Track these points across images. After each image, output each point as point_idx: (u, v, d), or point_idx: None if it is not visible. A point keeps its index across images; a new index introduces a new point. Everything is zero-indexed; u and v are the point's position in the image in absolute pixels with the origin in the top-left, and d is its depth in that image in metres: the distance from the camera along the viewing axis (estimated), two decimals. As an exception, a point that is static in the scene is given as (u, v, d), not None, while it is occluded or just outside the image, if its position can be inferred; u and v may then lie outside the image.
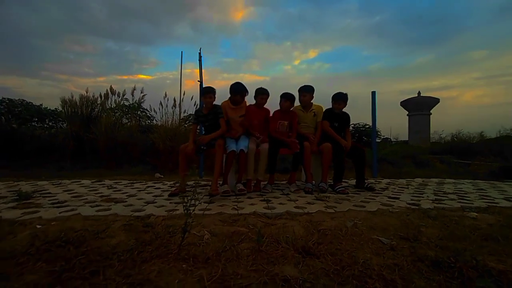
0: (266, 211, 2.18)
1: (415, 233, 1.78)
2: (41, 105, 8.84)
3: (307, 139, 3.04)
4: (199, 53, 4.12)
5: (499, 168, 4.82)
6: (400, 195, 2.83)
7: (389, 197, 2.71)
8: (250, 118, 3.17)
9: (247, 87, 3.14)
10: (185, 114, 8.90)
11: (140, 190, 2.97)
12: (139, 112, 9.09)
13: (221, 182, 2.95)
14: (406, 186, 3.34)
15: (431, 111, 13.37)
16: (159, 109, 8.91)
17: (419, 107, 13.22)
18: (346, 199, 2.64)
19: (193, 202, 1.67)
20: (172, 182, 3.54)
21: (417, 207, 2.32)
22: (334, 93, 3.23)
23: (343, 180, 3.21)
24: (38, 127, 8.58)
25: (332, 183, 3.07)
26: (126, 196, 2.67)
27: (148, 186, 3.18)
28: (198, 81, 4.00)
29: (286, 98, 3.15)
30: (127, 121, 8.77)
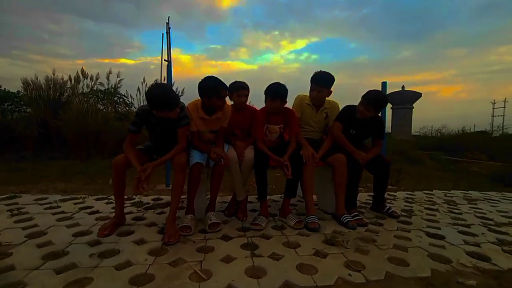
0: (249, 281, 1.13)
1: None
2: (0, 86, 7.27)
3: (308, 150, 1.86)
4: (167, 24, 2.86)
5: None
6: (439, 227, 1.82)
7: (430, 235, 1.70)
8: (230, 126, 1.94)
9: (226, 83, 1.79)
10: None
11: (61, 219, 1.78)
12: (115, 98, 7.70)
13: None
14: (433, 207, 2.36)
15: (413, 105, 12.68)
16: (136, 95, 7.58)
17: (402, 101, 12.46)
18: (370, 239, 1.62)
19: None
20: (125, 197, 2.36)
21: (494, 266, 1.34)
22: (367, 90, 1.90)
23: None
24: (-5, 112, 7.03)
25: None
26: (25, 237, 1.52)
27: (82, 208, 2.02)
28: (165, 60, 2.77)
29: (273, 96, 1.82)
30: (102, 107, 7.42)
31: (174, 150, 1.64)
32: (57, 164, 5.21)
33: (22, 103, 7.02)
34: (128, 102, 7.89)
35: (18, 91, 7.20)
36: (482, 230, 1.81)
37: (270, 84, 1.84)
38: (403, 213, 2.13)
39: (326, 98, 2.03)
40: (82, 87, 6.97)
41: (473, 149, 7.64)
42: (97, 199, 2.25)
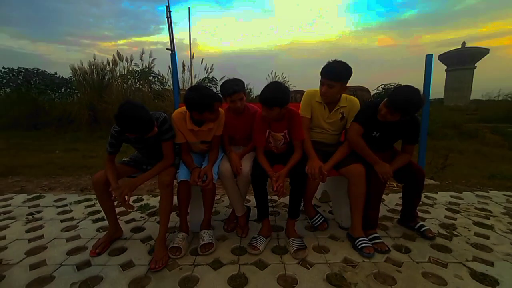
0: None
1: None
2: (56, 73, 7.84)
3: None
4: (167, 7, 2.44)
5: None
6: (491, 262, 1.34)
7: (475, 276, 1.23)
8: (228, 132, 1.63)
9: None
10: (198, 80, 7.42)
11: (66, 229, 1.74)
12: (150, 78, 7.78)
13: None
14: (487, 220, 1.81)
15: (476, 65, 10.39)
16: (167, 74, 7.54)
17: (462, 60, 10.25)
18: (388, 276, 1.25)
19: None
20: (134, 197, 2.31)
21: None
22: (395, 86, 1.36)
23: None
24: (55, 97, 7.67)
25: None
26: (24, 254, 1.51)
27: (91, 213, 1.95)
28: (168, 49, 2.43)
29: (269, 104, 1.39)
30: (140, 86, 7.60)
31: (158, 166, 1.44)
32: (104, 145, 5.62)
33: (73, 88, 7.54)
34: (162, 81, 7.92)
35: (70, 76, 7.72)
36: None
37: (265, 88, 1.41)
38: (440, 232, 1.66)
39: (343, 95, 1.54)
40: (119, 69, 7.12)
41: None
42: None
